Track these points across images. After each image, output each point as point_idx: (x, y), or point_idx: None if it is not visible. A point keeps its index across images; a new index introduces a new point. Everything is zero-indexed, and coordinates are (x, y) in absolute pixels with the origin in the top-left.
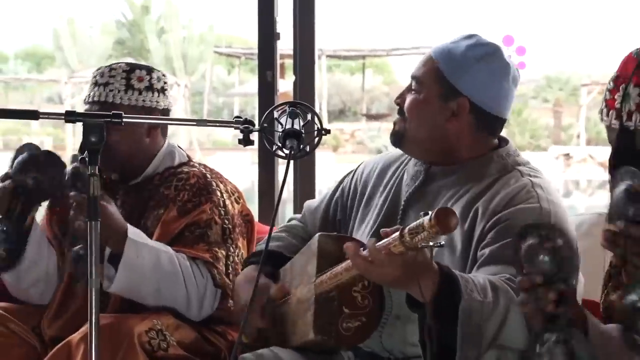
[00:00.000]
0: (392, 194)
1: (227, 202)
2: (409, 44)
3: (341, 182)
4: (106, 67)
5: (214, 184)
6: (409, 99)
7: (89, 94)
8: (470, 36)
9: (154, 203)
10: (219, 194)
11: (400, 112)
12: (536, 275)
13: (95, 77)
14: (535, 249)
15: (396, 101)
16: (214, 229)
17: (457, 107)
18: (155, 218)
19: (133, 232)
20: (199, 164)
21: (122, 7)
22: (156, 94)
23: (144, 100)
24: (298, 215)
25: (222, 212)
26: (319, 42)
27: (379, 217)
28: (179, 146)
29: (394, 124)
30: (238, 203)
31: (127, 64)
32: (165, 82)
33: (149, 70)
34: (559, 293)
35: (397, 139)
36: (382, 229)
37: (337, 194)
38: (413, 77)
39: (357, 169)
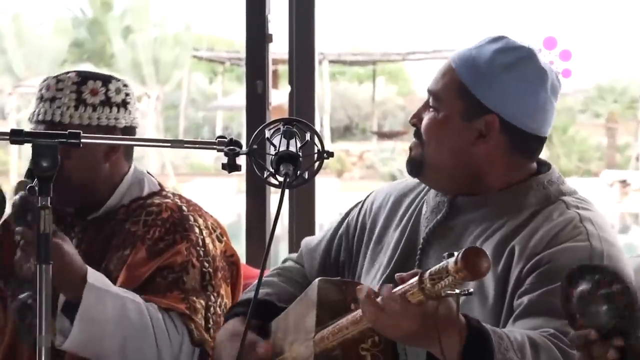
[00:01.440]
0: (409, 231)
1: (207, 240)
2: (429, 46)
3: (347, 215)
4: (53, 77)
5: (191, 218)
6: (426, 118)
7: (34, 112)
8: (497, 39)
9: (118, 242)
10: (197, 230)
11: (417, 134)
12: (590, 329)
13: (40, 90)
14: (587, 297)
15: (412, 121)
16: (191, 273)
17: (484, 127)
18: (119, 260)
19: (93, 276)
20: (173, 194)
21: (80, 1)
22: (115, 109)
23: (99, 118)
24: (294, 255)
25: (201, 253)
26: (320, 45)
27: (392, 259)
28: (148, 172)
29: (410, 149)
30: (221, 242)
31: (78, 73)
32: (127, 94)
33: (105, 80)
34: (620, 350)
35: (415, 167)
36: (398, 274)
37: (342, 229)
38: (430, 93)
39: (365, 199)
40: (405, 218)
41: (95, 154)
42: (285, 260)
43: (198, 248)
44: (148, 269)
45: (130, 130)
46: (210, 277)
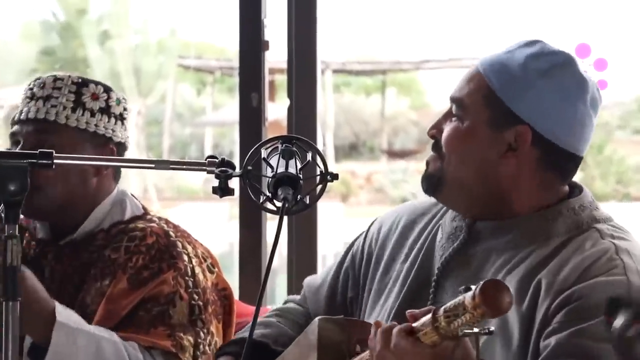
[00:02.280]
0: (421, 260)
1: (197, 270)
2: (446, 54)
3: (351, 246)
4: (50, 76)
5: (179, 245)
6: (447, 128)
7: (21, 110)
8: (531, 43)
9: (96, 271)
10: (186, 258)
11: (436, 147)
12: None
13: (31, 88)
14: (623, 334)
15: (430, 132)
16: (178, 306)
17: (514, 139)
18: (97, 292)
19: (64, 313)
20: (159, 218)
21: (51, 3)
22: (113, 120)
23: (96, 125)
24: (297, 297)
25: (190, 284)
26: (322, 52)
27: (401, 293)
28: (132, 195)
29: (427, 163)
30: (212, 272)
31: (79, 76)
32: (125, 109)
33: (108, 89)
34: None
35: (432, 184)
36: (409, 310)
37: (347, 263)
38: (454, 100)
39: (371, 225)
40: (418, 245)
41: (88, 167)
42: (286, 302)
43: (187, 278)
44: (130, 302)
45: (123, 148)
46: (200, 310)
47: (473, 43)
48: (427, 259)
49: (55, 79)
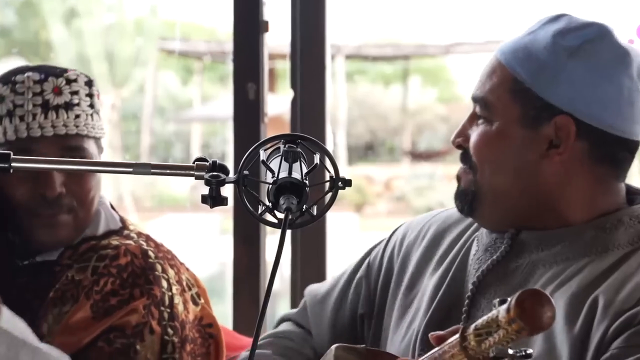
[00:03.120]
0: (453, 274)
1: (177, 299)
2: (480, 35)
3: (367, 254)
4: (60, 70)
5: (158, 268)
6: (474, 134)
7: (33, 121)
8: (555, 19)
9: (57, 295)
10: (164, 285)
11: (465, 157)
12: None
13: (43, 93)
14: None
15: (455, 142)
16: (147, 340)
17: (555, 133)
18: (56, 319)
19: (11, 321)
20: (139, 234)
21: None
22: (98, 117)
23: (101, 129)
24: (293, 312)
25: (166, 316)
26: (333, 35)
27: (429, 311)
28: (111, 205)
29: (458, 178)
30: (196, 304)
31: (71, 70)
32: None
33: (90, 79)
34: None
35: (467, 202)
36: (433, 333)
37: (361, 272)
38: (476, 100)
39: (394, 233)
40: (449, 257)
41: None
42: (280, 321)
43: (162, 308)
44: (90, 334)
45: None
46: (173, 348)
47: (512, 22)
48: (460, 273)
49: (68, 80)
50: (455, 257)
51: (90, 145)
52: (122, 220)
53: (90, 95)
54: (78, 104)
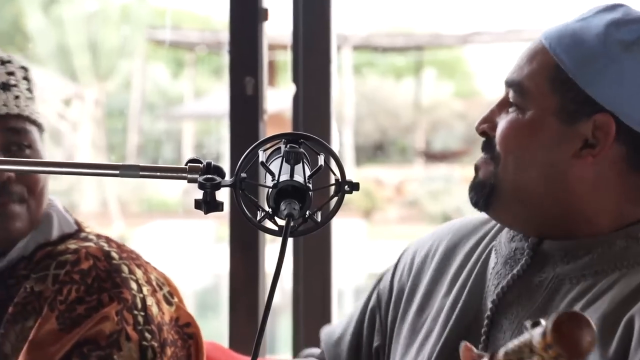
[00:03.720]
0: (469, 292)
1: (150, 301)
2: (500, 24)
3: (378, 282)
4: None
5: (125, 269)
6: (503, 122)
7: None
8: (611, 8)
9: (17, 310)
10: (134, 286)
11: (488, 146)
12: None
13: None
14: None
15: (480, 128)
16: (125, 349)
17: (592, 132)
18: (19, 337)
19: None
20: (98, 236)
21: None
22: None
23: (42, 120)
24: (316, 350)
25: (141, 320)
26: (339, 24)
27: (443, 334)
28: (65, 209)
29: (476, 168)
30: (170, 304)
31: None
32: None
33: (26, 67)
34: None
35: (483, 195)
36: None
37: (372, 303)
38: (511, 84)
39: (402, 254)
40: (464, 274)
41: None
42: (305, 357)
43: (135, 312)
44: (61, 347)
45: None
46: (154, 354)
47: (537, 10)
48: (476, 290)
49: (3, 61)
50: (471, 271)
51: (34, 131)
52: (77, 222)
53: (27, 79)
54: (16, 85)
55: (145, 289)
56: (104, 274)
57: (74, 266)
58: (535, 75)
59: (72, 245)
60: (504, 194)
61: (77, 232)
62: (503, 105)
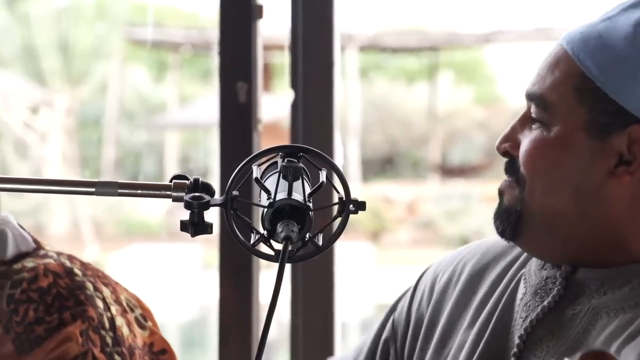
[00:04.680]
0: (495, 325)
1: (120, 321)
2: (526, 22)
3: (393, 309)
4: None
5: (89, 286)
6: (526, 141)
7: None
8: (637, 4)
9: None
10: (100, 304)
11: (512, 168)
12: None
13: None
14: None
15: (501, 147)
16: None
17: (628, 145)
18: None
19: None
20: (59, 254)
21: None
22: None
23: None
24: None
25: (109, 341)
26: (344, 21)
27: None
28: (20, 226)
29: (500, 192)
30: (143, 328)
31: None
32: None
33: None
34: None
35: (509, 223)
36: None
37: (386, 334)
38: (532, 97)
39: (420, 279)
40: (490, 304)
41: None
42: None
43: (103, 332)
44: None
45: None
46: None
47: (568, 4)
48: (503, 323)
49: None
50: (497, 302)
51: None
52: (36, 241)
53: None
54: None
55: (113, 308)
56: (66, 292)
57: (31, 284)
58: (559, 86)
59: (29, 263)
60: (532, 220)
61: (36, 250)
62: (525, 121)
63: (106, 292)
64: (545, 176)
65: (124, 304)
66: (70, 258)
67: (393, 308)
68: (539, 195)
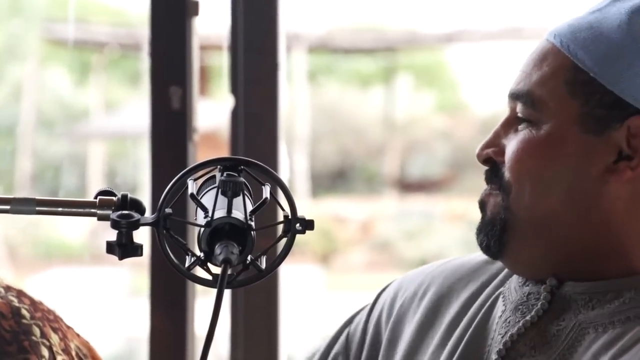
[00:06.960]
0: (468, 344)
1: None
2: (493, 22)
3: (346, 325)
4: None
5: (36, 331)
6: (513, 143)
7: None
8: None
9: None
10: (45, 353)
11: (494, 174)
12: None
13: None
14: None
15: (483, 154)
16: None
17: (627, 138)
18: None
19: None
20: (8, 288)
21: None
22: None
23: None
24: None
25: None
26: (290, 20)
27: None
28: None
29: (482, 204)
30: None
31: None
32: None
33: None
34: None
35: (494, 235)
36: None
37: (337, 348)
38: (518, 96)
39: (380, 295)
40: (463, 324)
41: None
42: None
43: None
44: None
45: None
46: None
47: (540, 4)
48: (477, 342)
49: None
50: (471, 321)
51: None
52: None
53: None
54: None
55: (60, 358)
56: (9, 336)
57: None
58: (548, 81)
59: None
60: (520, 228)
61: None
62: (510, 124)
63: (54, 339)
64: (535, 177)
65: (73, 353)
66: (20, 295)
67: (348, 322)
68: (527, 199)
